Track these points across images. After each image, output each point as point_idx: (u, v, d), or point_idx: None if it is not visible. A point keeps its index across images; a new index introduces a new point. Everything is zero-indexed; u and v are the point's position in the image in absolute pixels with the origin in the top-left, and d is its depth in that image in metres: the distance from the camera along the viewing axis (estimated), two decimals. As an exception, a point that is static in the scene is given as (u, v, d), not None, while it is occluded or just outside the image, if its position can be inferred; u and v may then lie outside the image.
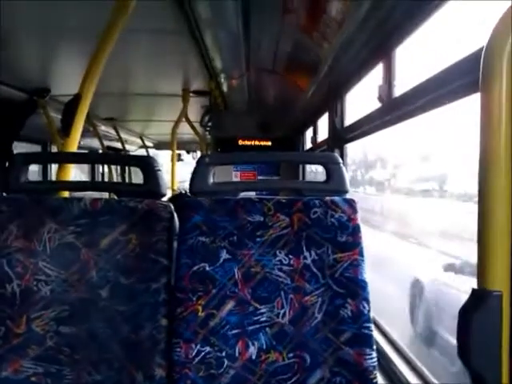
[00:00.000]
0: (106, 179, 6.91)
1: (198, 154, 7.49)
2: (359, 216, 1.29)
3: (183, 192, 4.29)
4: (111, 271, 1.28)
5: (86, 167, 6.79)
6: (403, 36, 1.70)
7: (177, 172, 4.84)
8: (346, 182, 1.33)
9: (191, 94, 4.00)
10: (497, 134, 0.77)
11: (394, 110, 1.75)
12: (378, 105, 1.93)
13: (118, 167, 7.23)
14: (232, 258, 1.26)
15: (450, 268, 3.32)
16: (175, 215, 1.35)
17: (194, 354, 1.22)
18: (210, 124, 4.67)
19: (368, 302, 1.24)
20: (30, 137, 4.50)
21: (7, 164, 1.41)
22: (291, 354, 1.23)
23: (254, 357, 1.23)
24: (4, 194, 1.40)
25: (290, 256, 1.27)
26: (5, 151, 3.61)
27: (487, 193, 0.78)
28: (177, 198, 3.55)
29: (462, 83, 1.19)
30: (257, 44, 2.77)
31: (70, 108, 1.76)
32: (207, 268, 1.26)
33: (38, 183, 1.84)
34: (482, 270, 0.78)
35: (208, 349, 1.22)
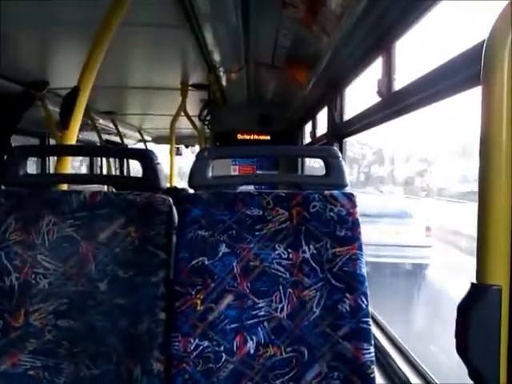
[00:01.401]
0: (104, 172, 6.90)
1: (197, 148, 7.48)
2: (358, 210, 1.29)
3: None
4: (110, 264, 1.28)
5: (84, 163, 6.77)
6: (403, 29, 1.70)
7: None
8: (345, 176, 1.32)
9: (190, 88, 3.98)
10: (498, 127, 0.77)
11: (394, 103, 1.75)
12: (377, 99, 1.93)
13: (117, 161, 7.22)
14: (231, 252, 1.26)
15: None
16: (174, 209, 1.34)
17: (192, 348, 1.22)
18: (208, 118, 4.67)
19: (366, 296, 1.23)
20: (28, 130, 4.49)
21: (5, 157, 1.41)
22: (289, 349, 1.23)
23: (252, 351, 1.23)
24: (2, 187, 1.39)
25: (289, 250, 1.26)
26: (3, 144, 3.60)
27: (487, 186, 0.78)
28: (175, 191, 3.54)
29: (462, 77, 1.18)
30: (256, 38, 2.76)
31: (69, 101, 1.75)
32: (206, 262, 1.25)
33: (37, 176, 1.84)
34: (481, 264, 0.78)
35: (206, 343, 1.22)
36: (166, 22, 2.34)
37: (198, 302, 1.23)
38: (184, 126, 5.10)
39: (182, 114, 4.42)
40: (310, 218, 1.28)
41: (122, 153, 2.72)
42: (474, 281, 0.79)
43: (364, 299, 1.23)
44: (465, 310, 0.78)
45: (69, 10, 2.15)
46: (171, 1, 2.04)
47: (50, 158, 4.57)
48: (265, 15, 2.41)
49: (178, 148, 7.43)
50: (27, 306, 1.26)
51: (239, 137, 4.73)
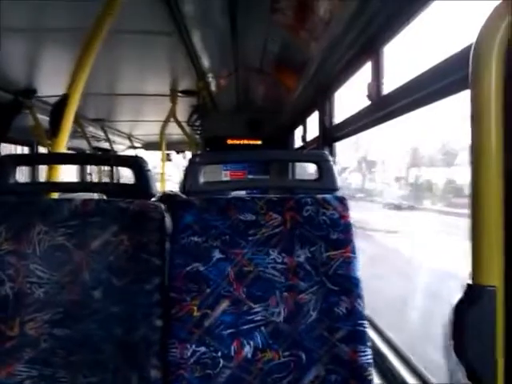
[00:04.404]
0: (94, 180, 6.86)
1: (187, 154, 7.48)
2: (350, 213, 1.30)
3: (171, 193, 4.28)
4: (103, 272, 1.27)
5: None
6: (391, 34, 1.71)
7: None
8: (336, 180, 1.33)
9: (179, 94, 3.98)
10: (487, 130, 0.78)
11: (383, 107, 1.76)
12: (367, 102, 1.94)
13: (106, 167, 7.18)
14: (225, 258, 1.26)
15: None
16: (167, 215, 1.34)
17: (189, 354, 1.21)
18: (197, 123, 4.66)
19: (362, 299, 1.24)
20: (17, 138, 4.45)
21: None
22: (287, 353, 1.23)
23: (249, 356, 1.23)
24: None
25: (283, 254, 1.26)
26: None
27: (479, 188, 0.79)
28: (167, 198, 3.52)
29: (451, 80, 1.19)
30: (244, 43, 2.77)
31: (58, 108, 1.74)
32: (200, 268, 1.25)
33: (27, 184, 1.82)
34: (476, 265, 0.79)
35: (203, 349, 1.22)
36: (154, 29, 2.35)
37: (194, 308, 1.23)
38: (174, 132, 5.09)
39: (172, 120, 4.41)
40: (303, 221, 1.28)
41: (113, 160, 2.70)
42: (469, 282, 0.80)
43: (360, 302, 1.23)
44: (461, 311, 0.79)
45: (58, 18, 2.14)
46: (159, 7, 2.04)
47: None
48: (253, 20, 2.42)
49: (168, 154, 7.41)
50: (22, 315, 1.25)
51: (229, 142, 4.74)
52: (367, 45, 1.87)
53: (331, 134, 2.67)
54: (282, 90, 3.51)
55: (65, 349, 1.24)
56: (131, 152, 7.79)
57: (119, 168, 7.54)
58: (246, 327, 1.23)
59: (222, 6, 2.14)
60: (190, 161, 1.35)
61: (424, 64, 1.39)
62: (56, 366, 1.23)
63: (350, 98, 2.53)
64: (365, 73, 1.96)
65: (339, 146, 2.71)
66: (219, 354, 1.22)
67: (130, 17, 1.98)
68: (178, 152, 7.98)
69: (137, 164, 1.38)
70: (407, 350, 1.81)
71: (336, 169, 1.36)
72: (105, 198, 1.42)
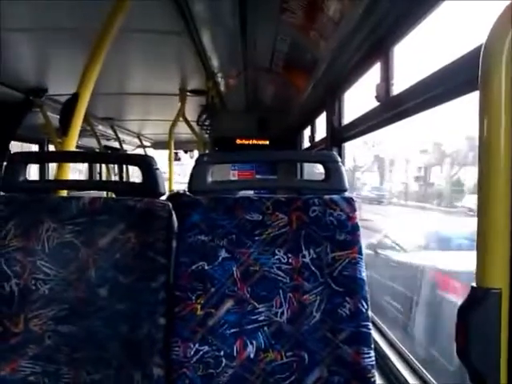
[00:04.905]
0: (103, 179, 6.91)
1: (195, 153, 7.50)
2: (358, 214, 1.29)
3: (181, 191, 4.30)
4: (110, 270, 1.28)
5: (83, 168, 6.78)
6: (401, 34, 1.71)
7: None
8: (344, 181, 1.33)
9: (188, 94, 3.99)
10: (496, 131, 0.77)
11: (392, 108, 1.75)
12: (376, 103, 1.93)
13: (116, 166, 7.22)
14: (231, 257, 1.26)
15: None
16: (174, 214, 1.34)
17: (192, 353, 1.22)
18: (206, 123, 4.68)
19: (366, 300, 1.23)
20: (28, 136, 4.50)
21: (5, 163, 1.40)
22: (289, 353, 1.23)
23: (252, 356, 1.23)
24: (2, 193, 1.39)
25: (289, 255, 1.26)
26: (2, 150, 3.61)
27: (487, 190, 0.78)
28: (175, 197, 3.54)
29: (460, 81, 1.19)
30: (254, 43, 2.77)
31: (68, 107, 1.75)
32: (206, 267, 1.25)
33: (37, 182, 1.84)
34: (481, 267, 0.78)
35: (206, 348, 1.22)
36: (164, 28, 2.36)
37: (198, 306, 1.23)
38: (183, 131, 5.11)
39: (181, 119, 4.43)
40: (310, 222, 1.28)
41: (122, 159, 2.72)
42: (474, 284, 0.79)
43: (364, 303, 1.23)
44: (465, 313, 0.78)
45: (68, 17, 2.16)
46: (170, 7, 2.05)
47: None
48: (263, 20, 2.42)
49: (176, 153, 7.44)
50: (27, 311, 1.26)
51: (238, 142, 4.75)
52: (376, 45, 1.86)
53: (340, 135, 2.66)
54: (291, 90, 3.51)
55: (69, 345, 1.25)
56: (141, 151, 7.83)
57: (132, 168, 7.59)
58: (249, 327, 1.23)
59: (231, 5, 2.14)
60: (198, 160, 1.36)
61: (433, 65, 1.39)
62: (60, 362, 1.24)
63: (359, 98, 2.52)
64: (374, 73, 1.96)
65: (352, 143, 2.66)
66: (222, 353, 1.22)
67: (139, 16, 1.99)
68: (185, 151, 8.01)
69: (145, 163, 1.39)
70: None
71: (344, 169, 1.35)
72: (114, 196, 1.43)
